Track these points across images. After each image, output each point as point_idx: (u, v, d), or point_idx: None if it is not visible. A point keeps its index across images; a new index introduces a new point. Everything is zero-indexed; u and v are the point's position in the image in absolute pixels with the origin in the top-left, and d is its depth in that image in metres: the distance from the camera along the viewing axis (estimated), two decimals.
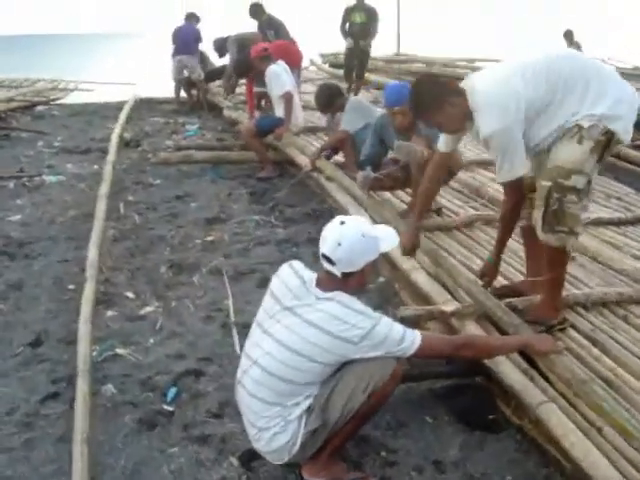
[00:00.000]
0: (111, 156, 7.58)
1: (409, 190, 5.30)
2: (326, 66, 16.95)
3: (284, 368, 2.56)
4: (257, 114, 8.50)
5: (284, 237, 5.50)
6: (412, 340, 2.60)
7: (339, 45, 16.36)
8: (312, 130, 8.08)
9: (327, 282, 2.63)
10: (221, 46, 10.17)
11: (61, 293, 4.49)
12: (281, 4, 10.51)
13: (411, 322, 3.37)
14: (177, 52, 11.47)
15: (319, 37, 17.97)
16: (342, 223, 2.61)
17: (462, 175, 5.65)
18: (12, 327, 4.02)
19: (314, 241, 5.28)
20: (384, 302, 4.17)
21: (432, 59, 14.03)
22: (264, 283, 4.55)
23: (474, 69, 12.88)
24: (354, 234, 2.58)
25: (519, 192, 3.32)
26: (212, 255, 5.12)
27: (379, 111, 6.46)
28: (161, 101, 12.80)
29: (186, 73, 11.59)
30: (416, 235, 3.87)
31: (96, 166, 7.87)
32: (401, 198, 5.63)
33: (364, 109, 6.02)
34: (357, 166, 5.40)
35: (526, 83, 3.06)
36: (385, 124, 4.87)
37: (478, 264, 4.20)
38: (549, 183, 3.06)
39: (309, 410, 2.58)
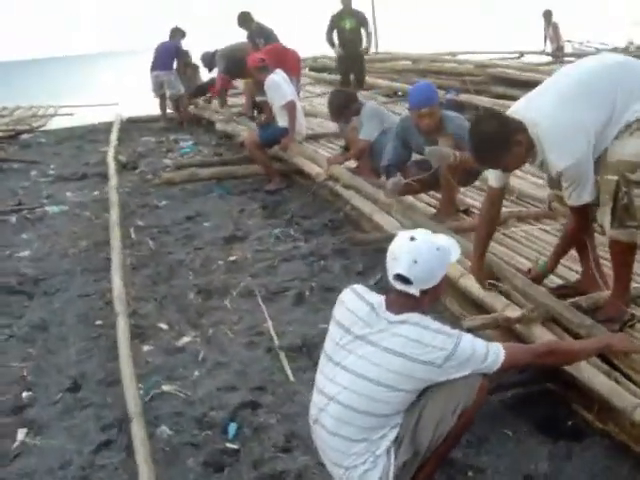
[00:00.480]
0: (113, 180, 7.37)
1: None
2: (306, 70, 16.76)
3: (366, 401, 2.39)
4: (252, 124, 8.30)
5: (308, 251, 5.32)
6: (496, 354, 2.44)
7: (319, 49, 16.31)
8: (314, 137, 7.91)
9: (399, 304, 2.46)
10: (209, 61, 9.99)
11: (89, 330, 4.28)
12: (265, 10, 10.24)
13: (477, 333, 3.21)
14: (154, 67, 11.23)
15: (300, 41, 17.75)
16: (412, 239, 2.44)
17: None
18: (45, 372, 3.81)
19: (341, 253, 5.16)
20: (428, 311, 4.00)
21: (418, 56, 13.89)
22: (300, 301, 4.43)
23: (460, 62, 12.79)
24: (429, 249, 2.42)
25: (584, 215, 3.23)
26: (238, 276, 4.93)
27: (394, 116, 6.32)
28: (148, 120, 12.54)
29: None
30: (480, 270, 3.66)
31: (96, 192, 7.65)
32: (422, 199, 5.46)
33: (381, 115, 5.87)
34: (381, 172, 5.22)
35: (591, 108, 2.95)
36: (408, 127, 4.70)
37: (522, 263, 4.06)
38: (615, 177, 2.91)
39: (397, 441, 2.41)
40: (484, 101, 9.35)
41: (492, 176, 3.34)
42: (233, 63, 8.12)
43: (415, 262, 2.38)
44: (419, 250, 2.40)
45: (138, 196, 7.34)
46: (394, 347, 2.37)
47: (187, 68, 11.41)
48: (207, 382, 3.56)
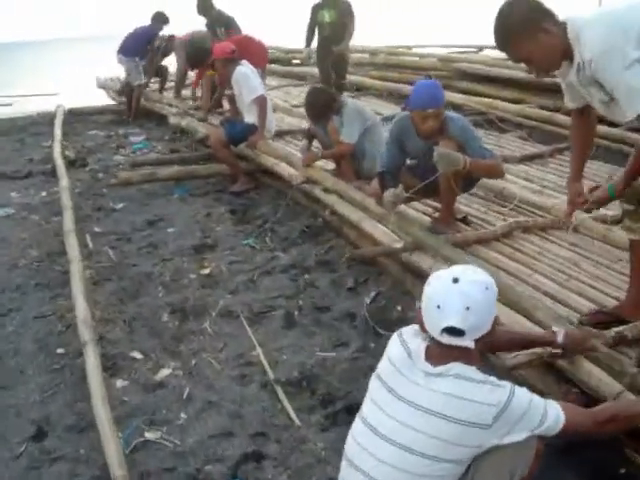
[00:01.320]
0: (64, 180, 6.72)
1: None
2: None
3: (405, 477, 1.98)
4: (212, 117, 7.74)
5: (289, 262, 4.85)
6: (557, 416, 2.08)
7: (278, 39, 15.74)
8: (280, 134, 7.43)
9: (442, 355, 2.09)
10: (165, 47, 9.39)
11: (51, 361, 3.73)
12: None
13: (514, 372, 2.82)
14: (119, 50, 10.49)
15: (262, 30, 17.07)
16: (455, 281, 2.05)
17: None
18: (2, 416, 3.25)
19: (325, 265, 4.72)
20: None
21: (375, 48, 13.48)
22: (289, 323, 3.99)
23: (422, 56, 12.45)
24: (478, 290, 2.05)
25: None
26: (215, 292, 4.44)
27: (375, 114, 5.89)
28: (93, 112, 11.78)
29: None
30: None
31: (44, 193, 6.99)
32: (416, 207, 5.05)
33: (362, 114, 5.46)
34: (372, 177, 4.78)
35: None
36: (406, 128, 4.27)
37: (536, 279, 3.70)
38: None
39: None
40: (456, 97, 9.02)
41: (566, 98, 2.95)
42: (195, 53, 7.51)
43: (467, 309, 2.01)
44: (468, 294, 2.02)
45: (91, 197, 6.72)
46: (432, 407, 2.00)
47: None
48: (197, 427, 3.07)
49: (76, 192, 6.74)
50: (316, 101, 5.55)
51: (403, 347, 2.17)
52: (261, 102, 6.45)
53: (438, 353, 2.08)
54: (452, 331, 2.02)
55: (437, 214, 4.65)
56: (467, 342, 2.04)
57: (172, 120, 9.31)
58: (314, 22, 8.69)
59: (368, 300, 4.19)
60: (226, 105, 8.15)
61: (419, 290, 2.18)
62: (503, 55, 2.86)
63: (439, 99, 4.00)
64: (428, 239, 4.05)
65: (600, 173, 5.59)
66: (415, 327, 2.22)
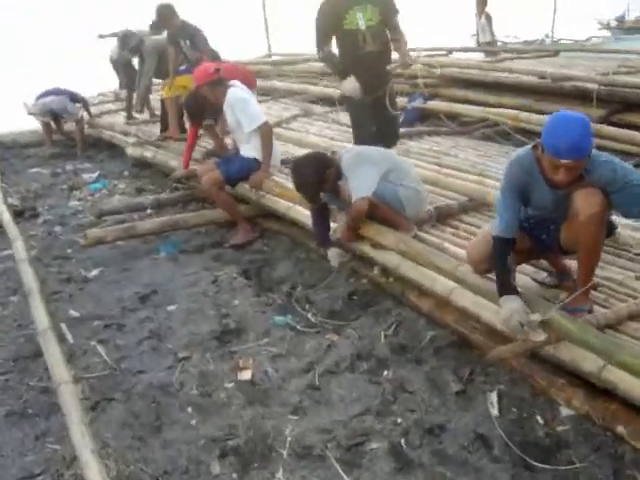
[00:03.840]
0: (17, 241, 5.26)
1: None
2: None
3: None
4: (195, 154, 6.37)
5: (352, 350, 3.63)
6: None
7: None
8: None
9: None
10: (137, 48, 7.96)
11: None
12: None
13: None
14: (45, 93, 9.14)
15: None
16: None
17: None
18: None
19: (403, 351, 3.53)
20: None
21: None
22: (401, 461, 2.77)
23: None
24: None
25: None
26: (272, 412, 3.17)
27: (381, 151, 4.53)
28: (30, 143, 10.21)
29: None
30: None
31: None
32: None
33: (366, 159, 4.24)
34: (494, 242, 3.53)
35: None
36: (529, 171, 3.06)
37: None
38: None
39: None
40: (457, 107, 7.95)
41: None
42: (196, 104, 5.92)
43: None
44: None
45: (53, 263, 5.31)
46: None
47: None
48: None
49: (32, 256, 5.30)
50: (308, 180, 4.22)
51: None
52: (265, 131, 5.19)
53: None
54: None
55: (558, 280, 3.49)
56: None
57: (131, 151, 7.90)
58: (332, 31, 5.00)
59: (494, 410, 3.01)
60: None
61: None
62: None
63: (584, 149, 2.78)
64: (576, 329, 2.87)
65: None
66: None
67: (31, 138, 10.34)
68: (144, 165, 7.87)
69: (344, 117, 8.67)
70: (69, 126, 9.63)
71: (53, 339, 3.70)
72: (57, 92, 9.27)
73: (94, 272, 5.06)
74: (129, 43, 8.06)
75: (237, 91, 5.23)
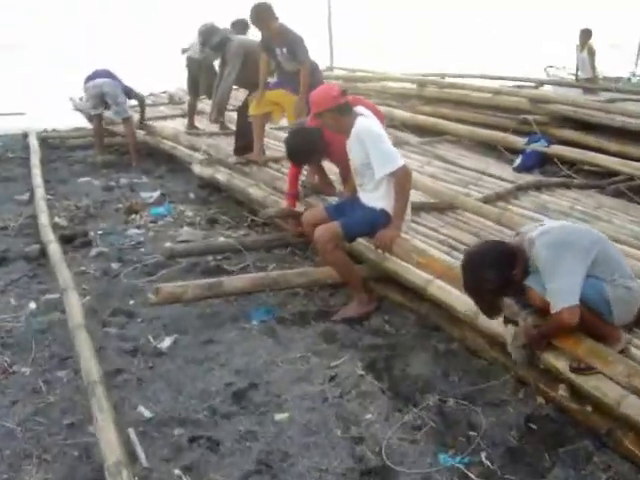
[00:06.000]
0: (70, 292, 4.07)
1: None
2: None
3: None
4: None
5: None
6: None
7: None
8: None
9: None
10: (220, 45, 6.79)
11: None
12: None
13: None
14: (94, 75, 8.03)
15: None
16: None
17: None
18: None
19: None
20: None
21: (419, 78, 11.11)
22: None
23: (495, 92, 10.03)
24: None
25: None
26: None
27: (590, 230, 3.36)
28: (77, 144, 9.12)
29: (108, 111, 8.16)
30: None
31: (32, 304, 4.37)
32: None
33: (575, 244, 3.02)
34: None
35: None
36: None
37: None
38: None
39: None
40: (590, 156, 6.72)
41: None
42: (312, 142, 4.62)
43: None
44: None
45: (114, 321, 4.12)
46: None
47: None
48: None
49: (85, 305, 4.13)
50: (484, 287, 3.02)
51: None
52: (402, 177, 3.98)
53: None
54: None
55: None
56: None
57: (199, 171, 6.72)
58: None
59: None
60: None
61: None
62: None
63: None
64: None
65: None
66: None
67: (77, 137, 9.27)
68: (213, 187, 6.71)
69: (447, 149, 7.58)
70: (118, 128, 8.54)
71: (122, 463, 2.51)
72: (108, 75, 8.10)
73: (167, 342, 3.87)
74: (211, 39, 6.88)
75: (369, 122, 4.03)
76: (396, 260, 4.12)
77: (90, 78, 8.01)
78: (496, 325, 3.39)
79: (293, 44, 5.92)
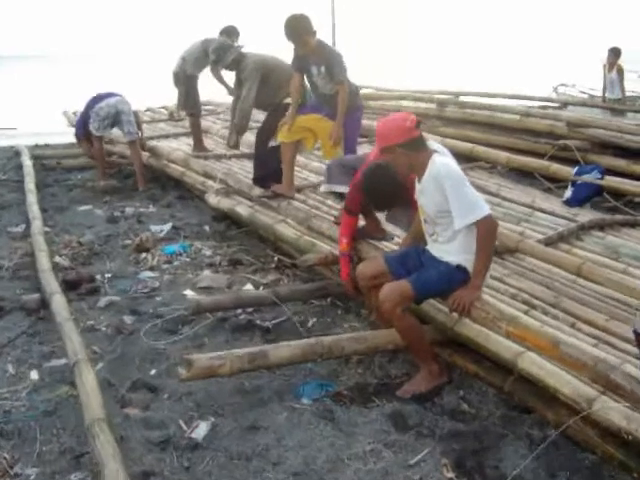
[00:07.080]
0: (81, 363, 3.34)
1: None
2: None
3: None
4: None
5: None
6: None
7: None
8: None
9: None
10: (236, 63, 6.10)
11: None
12: None
13: None
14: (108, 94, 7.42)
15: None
16: None
17: None
18: None
19: None
20: None
21: (441, 96, 10.49)
22: None
23: (525, 115, 9.38)
24: None
25: None
26: None
27: None
28: (75, 164, 8.40)
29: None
30: None
31: (34, 373, 3.64)
32: None
33: None
34: None
35: None
36: None
37: None
38: None
39: None
40: None
41: None
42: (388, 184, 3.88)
43: None
44: None
45: (135, 399, 3.40)
46: None
47: None
48: None
49: (100, 377, 3.40)
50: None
51: None
52: (487, 229, 3.30)
53: None
54: None
55: None
56: None
57: (215, 202, 6.03)
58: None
59: None
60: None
61: None
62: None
63: None
64: None
65: None
66: None
67: (74, 157, 8.55)
68: (230, 219, 6.02)
69: (484, 178, 6.91)
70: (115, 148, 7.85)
71: None
72: (116, 94, 7.55)
73: (203, 428, 3.15)
74: (226, 57, 6.20)
75: (448, 162, 3.35)
76: (472, 324, 3.45)
77: (99, 99, 7.36)
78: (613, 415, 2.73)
79: (331, 61, 5.24)
